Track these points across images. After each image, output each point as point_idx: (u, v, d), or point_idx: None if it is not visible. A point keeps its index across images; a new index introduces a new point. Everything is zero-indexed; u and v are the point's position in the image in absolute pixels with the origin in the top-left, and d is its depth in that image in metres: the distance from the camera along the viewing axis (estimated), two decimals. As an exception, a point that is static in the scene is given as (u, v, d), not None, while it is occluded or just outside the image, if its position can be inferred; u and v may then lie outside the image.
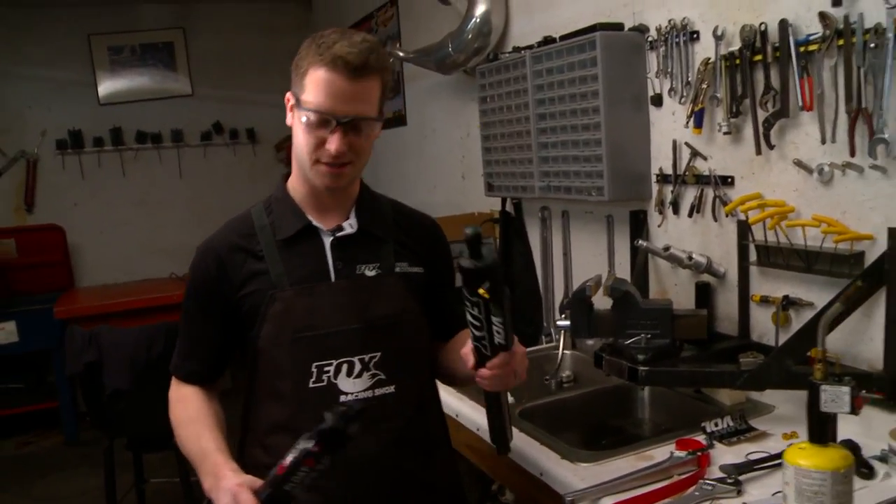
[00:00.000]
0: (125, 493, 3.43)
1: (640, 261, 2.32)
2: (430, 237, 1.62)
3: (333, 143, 1.35)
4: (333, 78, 1.33)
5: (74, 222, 5.36)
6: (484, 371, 1.33)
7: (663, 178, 2.24)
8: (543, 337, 2.95)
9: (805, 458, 1.19)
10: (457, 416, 2.10)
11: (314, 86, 1.35)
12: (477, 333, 1.29)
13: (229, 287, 1.45)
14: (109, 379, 2.84)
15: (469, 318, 1.28)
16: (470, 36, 3.04)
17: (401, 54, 3.65)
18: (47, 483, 4.29)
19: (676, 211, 2.20)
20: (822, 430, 1.19)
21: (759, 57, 1.83)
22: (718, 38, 1.94)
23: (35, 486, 4.27)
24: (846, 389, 1.15)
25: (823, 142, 1.71)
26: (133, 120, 5.52)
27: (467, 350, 1.34)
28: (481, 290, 1.23)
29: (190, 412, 1.48)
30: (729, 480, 1.49)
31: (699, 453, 1.59)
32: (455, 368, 1.53)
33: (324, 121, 1.35)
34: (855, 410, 1.17)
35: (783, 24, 1.74)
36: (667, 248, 2.12)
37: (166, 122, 5.60)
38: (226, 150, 5.76)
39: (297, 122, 1.40)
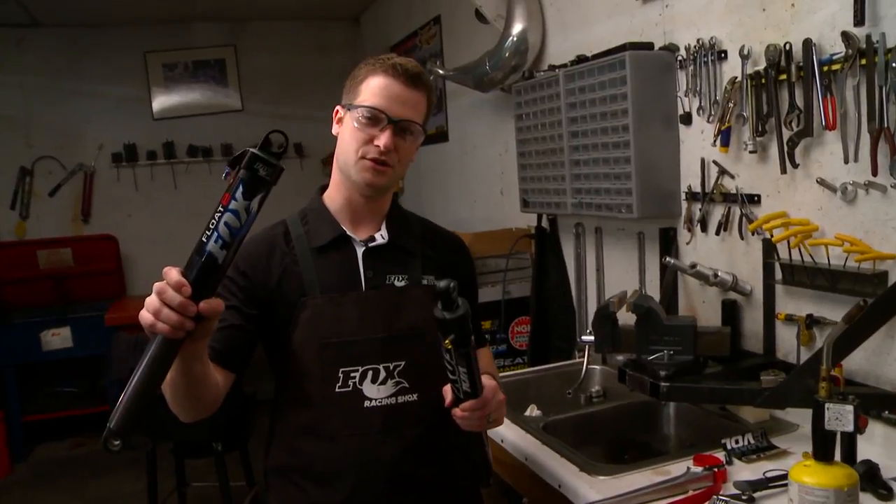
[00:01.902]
0: (167, 496, 3.54)
1: (668, 278, 2.33)
2: (455, 253, 1.68)
3: (383, 139, 1.44)
4: (390, 82, 1.46)
5: (127, 232, 5.54)
6: (457, 411, 1.38)
7: (692, 196, 2.25)
8: (577, 352, 2.96)
9: (809, 475, 1.20)
10: (483, 427, 2.14)
11: (371, 89, 1.47)
12: (451, 377, 1.34)
13: (264, 282, 1.51)
14: (153, 384, 2.93)
15: (444, 361, 1.32)
16: (507, 54, 3.09)
17: (441, 72, 3.72)
18: (98, 484, 4.45)
19: (705, 228, 2.21)
20: (826, 447, 1.20)
21: (783, 76, 1.83)
22: (745, 57, 1.95)
23: (87, 486, 4.44)
24: (850, 408, 1.16)
25: (846, 161, 1.71)
26: (185, 134, 5.68)
27: (447, 388, 1.38)
28: (446, 342, 1.27)
29: None
30: (743, 497, 1.50)
31: (715, 469, 1.60)
32: None
33: (376, 119, 1.45)
34: (859, 429, 1.17)
35: (807, 44, 1.75)
36: (693, 266, 2.12)
37: (217, 136, 5.74)
38: (274, 164, 5.87)
39: (347, 125, 1.49)
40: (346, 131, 1.50)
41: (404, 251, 1.57)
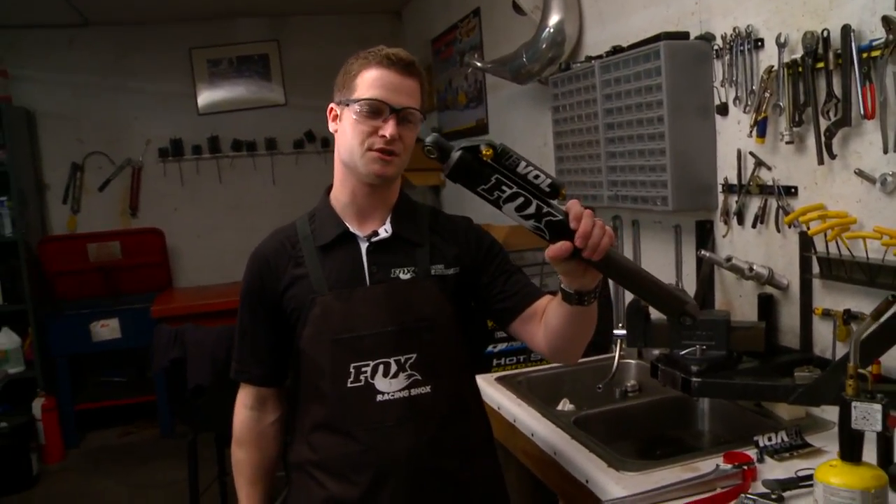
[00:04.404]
0: (209, 484, 3.61)
1: (704, 271, 2.29)
2: (462, 235, 1.63)
3: (389, 129, 1.44)
4: (386, 73, 1.46)
5: (174, 226, 5.64)
6: (566, 244, 1.22)
7: (728, 188, 2.20)
8: (612, 345, 2.92)
9: (835, 475, 1.17)
10: (514, 421, 2.13)
11: (367, 82, 1.46)
12: (528, 212, 1.17)
13: (275, 290, 1.55)
14: (191, 375, 2.99)
15: (511, 210, 1.20)
16: (544, 46, 3.06)
17: (479, 64, 3.70)
18: (145, 471, 4.57)
19: (741, 221, 2.16)
20: (852, 447, 1.16)
21: (821, 64, 1.78)
22: (781, 45, 1.90)
23: (134, 473, 4.56)
24: (878, 407, 1.12)
25: (886, 151, 1.65)
26: (229, 129, 5.76)
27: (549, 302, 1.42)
28: (483, 154, 1.12)
29: (238, 456, 1.67)
30: (772, 496, 1.46)
31: (745, 467, 1.56)
32: (554, 321, 1.50)
33: (378, 110, 1.45)
34: (887, 429, 1.13)
35: (846, 30, 1.70)
36: (729, 259, 2.08)
37: (261, 130, 5.82)
38: (317, 157, 5.93)
39: (346, 121, 1.49)
40: (347, 126, 1.49)
41: (409, 243, 1.56)
